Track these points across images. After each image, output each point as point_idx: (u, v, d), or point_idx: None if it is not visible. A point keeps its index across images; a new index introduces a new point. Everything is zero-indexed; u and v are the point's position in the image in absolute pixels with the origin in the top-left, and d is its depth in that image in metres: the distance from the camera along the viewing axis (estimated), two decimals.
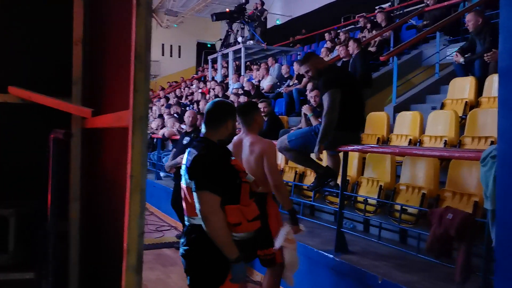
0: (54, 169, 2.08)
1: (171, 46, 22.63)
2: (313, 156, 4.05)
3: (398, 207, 3.81)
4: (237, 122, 2.82)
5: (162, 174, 8.90)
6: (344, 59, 7.43)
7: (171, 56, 22.75)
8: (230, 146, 3.36)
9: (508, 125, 2.27)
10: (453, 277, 2.73)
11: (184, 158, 2.55)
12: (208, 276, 2.44)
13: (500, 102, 2.34)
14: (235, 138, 3.44)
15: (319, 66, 4.04)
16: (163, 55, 22.38)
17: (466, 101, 5.09)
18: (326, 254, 3.73)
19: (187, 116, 6.13)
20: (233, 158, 2.57)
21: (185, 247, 2.49)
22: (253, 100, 7.27)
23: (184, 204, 2.55)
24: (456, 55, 5.66)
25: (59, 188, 2.12)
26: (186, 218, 2.55)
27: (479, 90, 5.16)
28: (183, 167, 2.52)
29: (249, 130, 3.42)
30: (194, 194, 2.36)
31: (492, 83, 4.87)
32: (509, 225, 2.26)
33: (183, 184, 2.52)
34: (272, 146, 3.41)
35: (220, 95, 9.92)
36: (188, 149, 2.57)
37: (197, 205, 2.35)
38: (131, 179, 1.46)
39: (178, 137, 8.35)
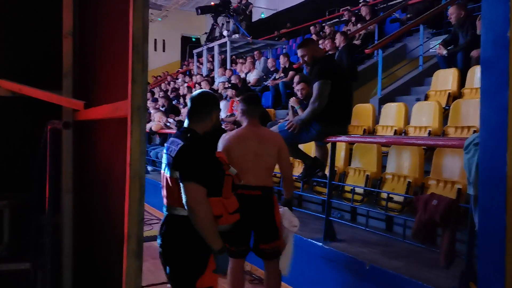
0: (52, 160, 2.10)
1: (155, 40, 22.41)
2: (301, 147, 4.11)
3: (384, 196, 3.91)
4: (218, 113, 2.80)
5: (149, 168, 8.90)
6: (329, 52, 7.50)
7: (155, 50, 22.52)
8: (236, 137, 3.32)
9: (490, 114, 2.36)
10: (438, 262, 2.83)
11: (167, 147, 2.53)
12: (189, 266, 2.45)
13: (482, 91, 2.43)
14: (242, 129, 3.39)
15: (316, 54, 4.10)
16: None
17: (449, 92, 5.21)
18: (315, 242, 3.81)
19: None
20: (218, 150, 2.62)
21: (163, 237, 2.50)
22: (241, 93, 7.31)
23: (164, 192, 2.53)
24: (439, 47, 5.78)
25: (56, 179, 2.14)
26: (165, 208, 2.54)
27: (461, 82, 5.29)
28: (166, 155, 2.51)
29: (254, 122, 3.37)
30: (181, 185, 2.36)
31: (474, 74, 4.99)
32: (491, 210, 2.36)
33: (165, 173, 2.51)
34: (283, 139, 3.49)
35: (207, 89, 9.92)
36: (171, 138, 2.56)
37: (183, 196, 2.34)
38: (131, 167, 1.50)
39: (165, 130, 8.37)
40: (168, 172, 2.46)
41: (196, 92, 2.73)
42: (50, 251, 2.19)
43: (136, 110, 1.51)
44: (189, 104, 2.61)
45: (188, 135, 2.47)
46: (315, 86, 3.91)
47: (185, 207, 2.35)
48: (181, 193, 2.36)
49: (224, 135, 3.42)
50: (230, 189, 2.54)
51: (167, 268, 2.52)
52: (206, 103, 2.58)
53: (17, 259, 2.37)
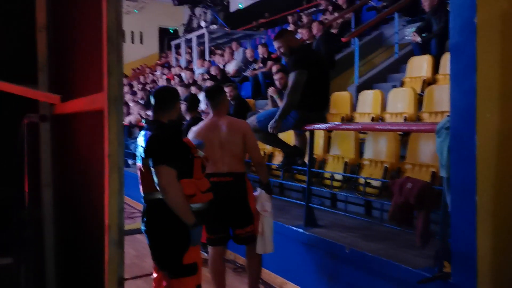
0: (30, 154, 2.10)
1: (132, 32, 22.05)
2: (273, 125, 4.13)
3: (362, 181, 4.00)
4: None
5: (130, 161, 8.86)
6: (307, 42, 7.55)
7: (132, 42, 22.18)
8: (202, 128, 3.47)
9: (459, 97, 2.45)
10: (414, 243, 2.93)
11: (139, 140, 2.74)
12: (173, 244, 2.65)
13: (452, 76, 2.52)
14: (207, 121, 3.53)
15: (291, 44, 4.14)
16: (124, 41, 21.82)
17: (424, 79, 5.32)
18: (296, 229, 3.88)
19: None
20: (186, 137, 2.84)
21: (146, 223, 2.69)
22: (219, 84, 7.31)
23: (140, 182, 2.74)
24: (413, 34, 5.88)
25: (35, 173, 2.15)
26: (143, 195, 2.74)
27: (435, 68, 5.40)
28: (140, 148, 2.70)
29: (218, 112, 3.50)
30: (152, 169, 2.56)
31: (448, 60, 5.09)
32: (462, 191, 2.46)
33: (139, 163, 2.72)
34: (250, 126, 3.59)
35: (190, 80, 9.86)
36: (141, 132, 2.78)
37: (155, 179, 2.55)
38: (109, 158, 1.52)
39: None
40: (141, 161, 2.67)
41: (157, 87, 2.95)
42: (32, 245, 2.20)
43: (112, 102, 1.53)
44: (152, 99, 2.82)
45: (155, 125, 2.72)
46: (290, 77, 3.97)
47: (158, 189, 2.55)
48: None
49: (192, 128, 3.56)
50: (200, 170, 2.76)
51: (153, 250, 2.71)
52: (168, 96, 2.82)
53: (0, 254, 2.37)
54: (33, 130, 2.28)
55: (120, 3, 1.51)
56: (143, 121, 8.16)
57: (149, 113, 8.65)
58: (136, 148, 2.78)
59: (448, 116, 4.00)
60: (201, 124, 3.55)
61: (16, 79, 2.54)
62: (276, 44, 4.22)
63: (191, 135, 3.45)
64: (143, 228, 2.72)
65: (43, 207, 2.66)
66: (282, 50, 4.16)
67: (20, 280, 2.35)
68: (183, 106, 4.84)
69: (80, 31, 2.32)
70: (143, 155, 2.65)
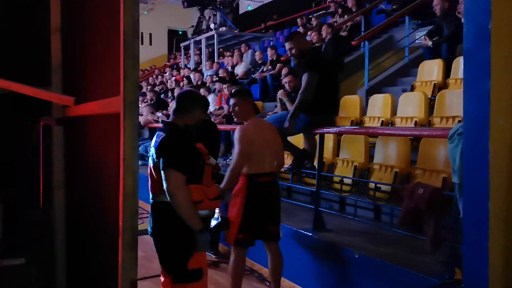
0: (45, 156, 2.11)
1: (141, 33, 22.21)
2: (286, 124, 4.17)
3: (372, 186, 3.98)
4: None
5: (139, 162, 8.88)
6: (316, 45, 7.54)
7: (142, 43, 22.33)
8: (252, 128, 3.42)
9: (473, 103, 2.43)
10: (424, 248, 2.91)
11: (153, 140, 2.74)
12: (178, 248, 2.61)
13: (465, 81, 2.50)
14: (253, 121, 3.50)
15: (302, 46, 4.17)
16: None
17: (435, 83, 5.29)
18: (305, 232, 3.87)
19: None
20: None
21: (153, 225, 2.68)
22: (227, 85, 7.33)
23: (150, 183, 2.72)
24: (425, 38, 5.86)
25: (49, 175, 2.16)
26: (150, 196, 2.72)
27: (446, 72, 5.37)
28: (152, 149, 2.69)
29: (254, 114, 3.60)
30: (162, 172, 2.53)
31: (459, 65, 5.08)
32: (475, 197, 2.43)
33: (150, 164, 2.70)
34: None
35: (199, 82, 9.89)
36: (157, 132, 2.76)
37: (164, 183, 2.52)
38: (124, 162, 1.53)
39: (154, 125, 8.36)
40: (152, 162, 2.65)
41: (182, 90, 2.93)
42: (43, 246, 2.21)
43: (128, 105, 1.54)
44: (176, 99, 2.80)
45: (169, 128, 2.69)
46: (304, 77, 3.99)
47: (166, 193, 2.52)
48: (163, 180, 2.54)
49: (242, 127, 3.46)
50: (210, 177, 2.76)
51: (159, 253, 2.69)
52: (187, 101, 2.77)
53: (11, 255, 2.38)
54: (47, 132, 2.29)
55: (137, 8, 1.52)
56: (160, 121, 8.18)
57: (158, 114, 8.69)
58: (148, 149, 2.78)
59: (460, 121, 3.99)
60: (252, 124, 3.48)
61: (30, 81, 2.56)
62: (287, 46, 4.25)
63: (245, 134, 3.37)
64: (149, 230, 2.71)
65: (55, 209, 2.67)
66: (293, 52, 4.18)
67: (31, 280, 2.37)
68: None
69: (94, 34, 2.34)
70: (155, 156, 2.63)
